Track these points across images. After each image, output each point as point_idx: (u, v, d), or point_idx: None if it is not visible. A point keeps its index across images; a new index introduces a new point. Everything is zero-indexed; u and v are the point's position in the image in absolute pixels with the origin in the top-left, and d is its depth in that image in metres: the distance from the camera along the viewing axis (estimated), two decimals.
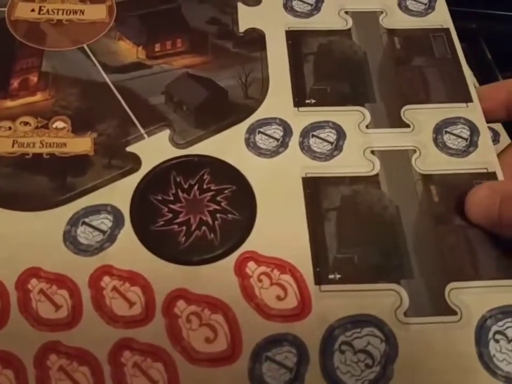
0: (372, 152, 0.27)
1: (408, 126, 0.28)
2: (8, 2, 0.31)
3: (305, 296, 0.22)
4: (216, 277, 0.23)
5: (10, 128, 0.26)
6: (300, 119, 0.28)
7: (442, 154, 0.26)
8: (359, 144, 0.27)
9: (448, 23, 0.31)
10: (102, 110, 0.27)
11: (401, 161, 0.26)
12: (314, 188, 0.25)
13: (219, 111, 0.28)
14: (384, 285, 0.23)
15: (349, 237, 0.24)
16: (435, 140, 0.27)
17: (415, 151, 0.27)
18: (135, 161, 0.26)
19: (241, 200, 0.25)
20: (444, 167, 0.26)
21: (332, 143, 0.27)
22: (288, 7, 0.32)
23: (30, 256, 0.23)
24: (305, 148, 0.27)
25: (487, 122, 0.28)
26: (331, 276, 0.23)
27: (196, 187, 0.25)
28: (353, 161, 0.26)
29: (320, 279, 0.23)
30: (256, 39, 0.31)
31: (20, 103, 0.27)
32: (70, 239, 0.23)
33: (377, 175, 0.26)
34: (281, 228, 0.24)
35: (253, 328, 0.21)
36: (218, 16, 0.32)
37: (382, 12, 0.32)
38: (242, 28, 0.31)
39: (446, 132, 0.27)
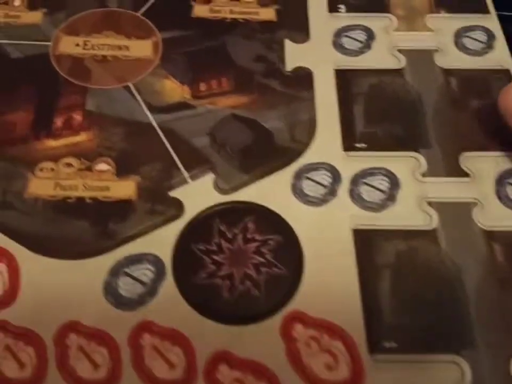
0: (429, 203, 0.25)
1: (467, 175, 0.26)
2: (52, 37, 0.30)
3: (357, 366, 0.20)
4: (261, 339, 0.21)
5: (52, 169, 0.25)
6: (349, 164, 0.26)
7: (507, 209, 0.24)
8: (415, 194, 0.25)
9: (509, 64, 0.29)
10: (146, 151, 0.26)
11: (461, 215, 0.24)
12: (366, 242, 0.23)
13: (264, 154, 0.27)
14: (443, 356, 0.20)
15: (405, 299, 0.22)
16: (497, 192, 0.25)
17: (476, 204, 0.24)
18: (178, 207, 0.24)
19: (287, 252, 0.23)
20: (508, 223, 0.24)
21: (384, 192, 0.25)
22: (337, 44, 0.31)
23: (69, 307, 0.21)
24: (355, 197, 0.25)
25: None
26: (386, 344, 0.21)
27: (239, 237, 0.24)
28: (408, 213, 0.24)
29: (374, 347, 0.20)
30: (303, 78, 0.29)
31: (63, 143, 0.26)
32: (110, 291, 0.22)
33: (435, 229, 0.24)
34: (330, 286, 0.22)
35: None
36: (264, 53, 0.30)
37: (437, 50, 0.30)
38: (289, 66, 0.30)
39: (509, 184, 0.25)
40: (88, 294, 0.22)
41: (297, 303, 0.22)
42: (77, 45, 0.30)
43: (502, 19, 0.32)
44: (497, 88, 0.28)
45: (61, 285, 0.22)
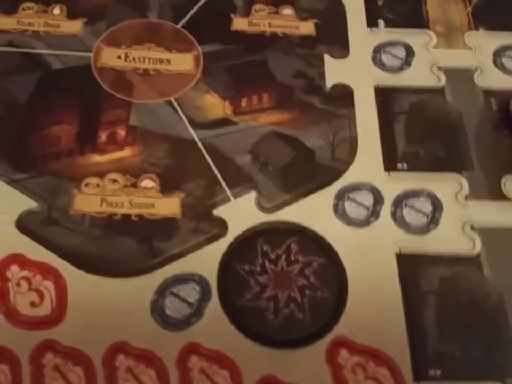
0: (472, 227, 0.24)
1: (510, 199, 0.25)
2: (93, 47, 0.30)
3: None
4: (306, 364, 0.21)
5: (98, 185, 0.25)
6: (391, 185, 0.26)
7: None
8: (458, 217, 0.25)
9: None
10: (190, 168, 0.26)
11: (504, 240, 0.24)
12: (409, 267, 0.23)
13: (306, 172, 0.26)
14: None
15: (450, 326, 0.22)
16: None
17: None
18: (222, 226, 0.24)
19: (331, 274, 0.23)
20: None
21: (427, 215, 0.25)
22: (377, 60, 0.30)
23: (117, 327, 0.21)
24: (398, 219, 0.25)
25: None
26: (431, 372, 0.20)
27: (283, 258, 0.24)
28: (452, 237, 0.24)
29: (419, 374, 0.20)
30: (343, 95, 0.29)
31: (108, 159, 0.26)
32: (157, 311, 0.22)
33: (478, 255, 0.23)
34: (375, 311, 0.22)
35: None
36: (304, 69, 0.30)
37: (476, 70, 0.30)
38: (329, 82, 0.29)
39: None
40: (135, 313, 0.22)
41: (342, 328, 0.22)
42: (119, 57, 0.30)
43: None
44: None
45: (108, 303, 0.22)
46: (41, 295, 0.22)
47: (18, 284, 0.22)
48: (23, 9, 0.31)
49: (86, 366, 0.20)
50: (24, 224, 0.24)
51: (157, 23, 0.31)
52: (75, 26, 0.31)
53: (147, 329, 0.21)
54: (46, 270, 0.22)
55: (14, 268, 0.23)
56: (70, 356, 0.21)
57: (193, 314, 0.22)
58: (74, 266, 0.23)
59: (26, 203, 0.24)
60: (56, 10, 0.32)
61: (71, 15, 0.31)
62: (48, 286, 0.22)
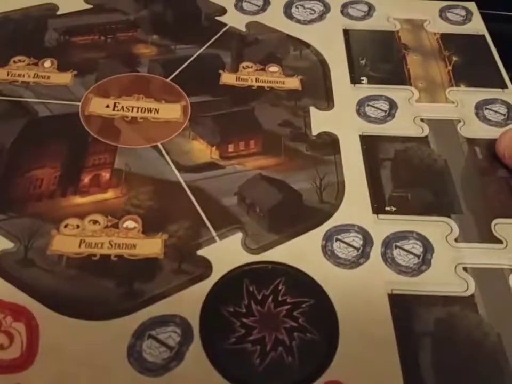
0: (465, 269, 0.24)
1: (501, 242, 0.25)
2: (82, 97, 0.31)
3: None
4: None
5: (78, 226, 0.24)
6: (380, 227, 0.25)
7: None
8: (449, 259, 0.24)
9: None
10: (174, 210, 0.26)
11: (497, 281, 0.23)
12: (403, 308, 0.22)
13: (293, 214, 0.26)
14: None
15: (449, 371, 0.20)
16: None
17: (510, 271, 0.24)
18: (206, 267, 0.24)
19: (321, 317, 0.22)
20: None
21: (418, 256, 0.24)
22: (361, 112, 0.31)
23: (91, 372, 0.20)
24: (388, 260, 0.24)
25: None
26: None
27: (270, 299, 0.23)
28: (445, 279, 0.23)
29: None
30: (329, 143, 0.30)
31: (90, 200, 0.26)
32: (134, 355, 0.20)
33: (472, 296, 0.23)
34: (368, 354, 0.21)
35: None
36: (291, 119, 0.31)
37: (459, 121, 0.31)
38: (315, 131, 0.30)
39: None
40: (111, 357, 0.20)
41: (334, 371, 0.20)
42: (107, 106, 0.30)
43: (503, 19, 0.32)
44: None
45: (82, 347, 0.21)
46: (11, 337, 0.20)
47: None
48: (14, 61, 0.32)
49: None
50: None
51: (147, 76, 0.33)
52: (65, 78, 0.32)
53: (123, 375, 0.20)
54: (18, 312, 0.21)
55: None
56: None
57: (173, 358, 0.20)
58: (48, 308, 0.21)
59: (2, 243, 0.23)
60: (47, 64, 0.33)
61: (62, 67, 0.32)
62: (19, 328, 0.21)
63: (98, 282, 0.23)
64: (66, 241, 0.24)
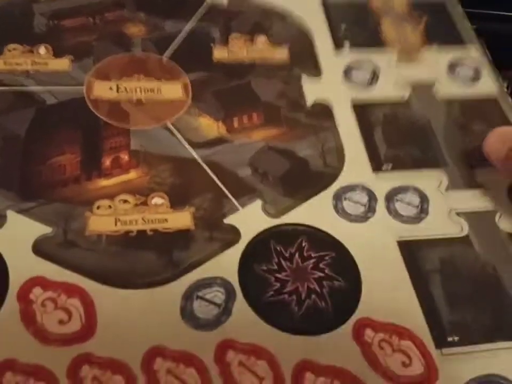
0: (457, 214, 0.28)
1: (483, 186, 0.29)
2: (84, 82, 0.32)
3: (429, 362, 0.22)
4: (337, 347, 0.22)
5: (110, 206, 0.26)
6: (380, 184, 0.29)
7: None
8: (443, 206, 0.28)
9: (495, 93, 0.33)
10: (196, 184, 0.28)
11: (486, 221, 0.27)
12: (411, 252, 0.26)
13: (303, 179, 0.29)
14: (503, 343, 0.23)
15: (455, 297, 0.24)
16: None
17: (496, 212, 0.28)
18: (234, 233, 0.26)
19: (343, 266, 0.25)
20: None
21: (417, 207, 0.28)
22: (348, 78, 0.34)
23: (151, 334, 0.22)
24: (392, 212, 0.28)
25: None
26: (449, 339, 0.23)
27: (296, 255, 0.26)
28: (442, 224, 0.27)
29: (439, 342, 0.23)
30: (324, 111, 0.32)
31: (115, 182, 0.27)
32: (188, 314, 0.23)
33: (467, 236, 0.27)
34: (388, 293, 0.24)
35: None
36: (285, 89, 0.33)
37: (434, 83, 0.34)
38: (309, 100, 0.33)
39: None
40: (166, 319, 0.23)
41: (362, 311, 0.24)
42: (110, 88, 0.31)
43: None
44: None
45: (138, 314, 0.23)
46: (68, 313, 0.22)
47: (43, 305, 0.22)
48: (9, 50, 0.32)
49: (125, 373, 0.21)
50: (41, 249, 0.24)
51: (142, 56, 0.34)
52: (63, 64, 0.32)
53: (181, 332, 0.22)
54: (70, 289, 0.23)
55: (37, 290, 0.23)
56: (107, 366, 0.21)
57: (222, 314, 0.23)
58: (98, 283, 0.23)
59: (40, 229, 0.25)
60: (42, 50, 0.33)
61: (58, 53, 0.33)
62: (75, 303, 0.23)
63: (140, 255, 0.25)
64: (102, 221, 0.26)
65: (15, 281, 0.23)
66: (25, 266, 0.23)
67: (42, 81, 0.31)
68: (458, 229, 0.27)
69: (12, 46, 0.32)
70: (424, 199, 0.28)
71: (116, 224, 0.26)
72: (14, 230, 0.25)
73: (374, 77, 0.34)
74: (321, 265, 0.25)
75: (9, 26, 0.34)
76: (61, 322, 0.22)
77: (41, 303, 0.22)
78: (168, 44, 0.34)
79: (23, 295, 0.23)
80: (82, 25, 0.35)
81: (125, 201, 0.27)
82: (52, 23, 0.34)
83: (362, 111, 0.32)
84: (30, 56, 0.32)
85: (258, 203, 0.27)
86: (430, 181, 0.29)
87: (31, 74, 0.31)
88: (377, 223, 0.27)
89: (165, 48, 0.34)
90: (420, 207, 0.28)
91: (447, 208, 0.28)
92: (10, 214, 0.25)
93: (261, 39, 0.36)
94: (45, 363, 0.21)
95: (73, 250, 0.25)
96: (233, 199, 0.27)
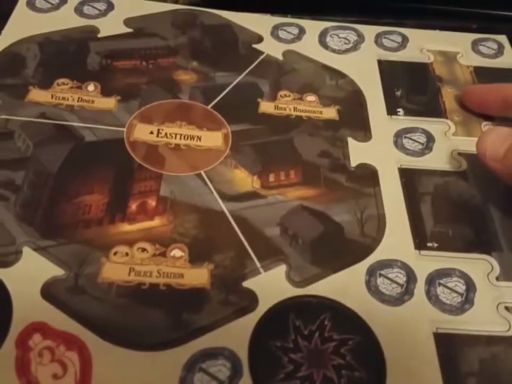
0: (506, 308, 0.24)
1: None
2: (127, 123, 0.31)
3: None
4: None
5: (127, 254, 0.25)
6: (422, 263, 0.26)
7: None
8: (491, 298, 0.24)
9: None
10: (219, 239, 0.26)
11: None
12: (448, 347, 0.22)
13: (335, 247, 0.26)
14: None
15: None
16: None
17: None
18: (252, 299, 0.24)
19: (368, 354, 0.22)
20: None
21: (461, 295, 0.24)
22: (398, 144, 0.32)
23: None
24: (432, 298, 0.24)
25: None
26: None
27: (316, 334, 0.23)
28: (487, 318, 0.24)
29: None
30: (368, 175, 0.30)
31: (138, 228, 0.26)
32: None
33: None
34: None
35: None
36: (329, 149, 0.31)
37: None
38: (353, 162, 0.31)
39: None
40: None
41: None
42: (151, 132, 0.31)
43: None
44: None
45: (135, 378, 0.21)
46: (64, 368, 0.21)
47: (40, 354, 0.21)
48: (58, 84, 0.33)
49: None
50: (49, 292, 0.23)
51: (188, 103, 0.33)
52: (109, 103, 0.32)
53: None
54: (70, 340, 0.21)
55: (37, 337, 0.21)
56: None
57: None
58: (99, 337, 0.22)
59: (53, 270, 0.24)
60: (91, 87, 0.33)
61: (106, 92, 0.33)
62: (72, 357, 0.21)
63: (148, 311, 0.23)
64: (116, 269, 0.24)
65: (18, 324, 0.22)
66: (30, 308, 0.22)
67: (85, 118, 0.31)
68: (505, 326, 0.23)
69: (61, 80, 0.33)
70: (470, 287, 0.25)
71: (129, 274, 0.24)
72: (27, 268, 0.24)
73: (427, 146, 0.32)
74: (342, 350, 0.22)
75: (63, 61, 0.34)
76: (54, 376, 0.21)
77: (38, 352, 0.21)
78: (216, 94, 0.34)
79: (22, 340, 0.21)
80: (134, 68, 0.35)
81: (143, 249, 0.25)
82: (105, 62, 0.35)
83: (410, 179, 0.30)
84: (78, 92, 0.33)
85: (282, 268, 0.25)
86: (479, 267, 0.26)
87: (75, 110, 0.32)
88: (413, 308, 0.24)
89: (212, 98, 0.34)
90: (464, 295, 0.24)
91: (496, 300, 0.24)
92: (26, 251, 0.24)
93: (311, 98, 0.34)
94: None
95: (81, 298, 0.23)
96: (256, 261, 0.25)
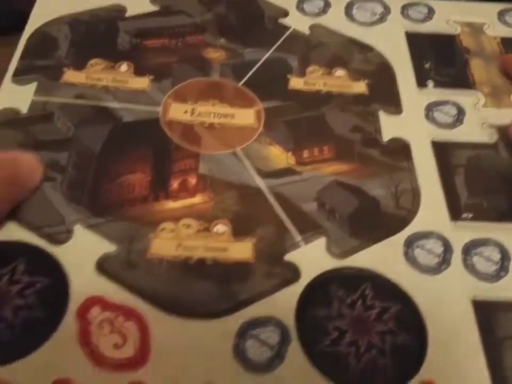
0: None
1: None
2: (161, 102, 0.32)
3: None
4: None
5: (173, 230, 0.26)
6: (458, 234, 0.27)
7: None
8: None
9: None
10: (259, 215, 0.27)
11: None
12: (485, 313, 0.24)
13: (372, 220, 0.27)
14: None
15: None
16: None
17: None
18: (294, 271, 0.25)
19: (409, 321, 0.23)
20: None
21: (496, 263, 0.25)
22: (430, 117, 0.32)
23: (203, 370, 0.21)
24: (469, 267, 0.25)
25: None
26: None
27: (359, 303, 0.24)
28: None
29: None
30: (401, 148, 0.30)
31: (181, 205, 0.27)
32: (239, 355, 0.22)
33: None
34: (457, 358, 0.22)
35: None
36: (361, 124, 0.32)
37: None
38: (386, 136, 0.31)
39: None
40: (218, 355, 0.22)
41: (426, 372, 0.22)
42: (185, 112, 0.32)
43: None
44: None
45: (191, 345, 0.22)
46: (124, 337, 0.22)
47: (100, 326, 0.22)
48: (91, 65, 0.34)
49: None
50: (103, 267, 0.24)
51: (220, 82, 0.34)
52: (143, 83, 0.33)
53: (232, 372, 0.21)
54: (127, 312, 0.23)
55: (96, 310, 0.23)
56: None
57: (274, 357, 0.22)
58: (155, 308, 0.23)
59: (105, 247, 0.25)
60: (124, 67, 0.34)
61: (138, 72, 0.34)
62: (131, 327, 0.22)
63: (198, 284, 0.24)
64: (164, 245, 0.25)
65: (76, 298, 0.23)
66: (86, 283, 0.24)
67: (121, 98, 0.32)
68: None
69: (94, 60, 0.34)
70: (505, 256, 0.26)
71: (177, 249, 0.25)
72: (80, 245, 0.25)
73: (458, 119, 0.32)
74: (384, 317, 0.23)
75: (93, 41, 0.35)
76: (115, 346, 0.22)
77: (98, 324, 0.22)
78: (246, 71, 0.34)
79: (82, 313, 0.23)
80: (164, 46, 0.35)
81: (188, 225, 0.26)
82: (135, 41, 0.35)
83: (443, 152, 0.30)
84: (111, 72, 0.33)
85: (322, 241, 0.26)
86: None
87: (110, 90, 0.32)
88: (451, 277, 0.25)
89: (242, 75, 0.34)
90: (500, 264, 0.25)
91: None
92: (78, 229, 0.26)
93: (340, 73, 0.35)
94: None
95: (134, 272, 0.24)
96: (296, 234, 0.26)
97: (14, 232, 0.25)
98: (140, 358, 0.22)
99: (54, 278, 0.23)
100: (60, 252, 0.25)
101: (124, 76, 0.33)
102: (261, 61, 0.35)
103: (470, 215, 0.27)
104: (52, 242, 0.25)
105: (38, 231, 0.25)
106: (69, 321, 0.22)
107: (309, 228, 0.27)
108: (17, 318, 0.22)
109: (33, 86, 0.32)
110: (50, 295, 0.23)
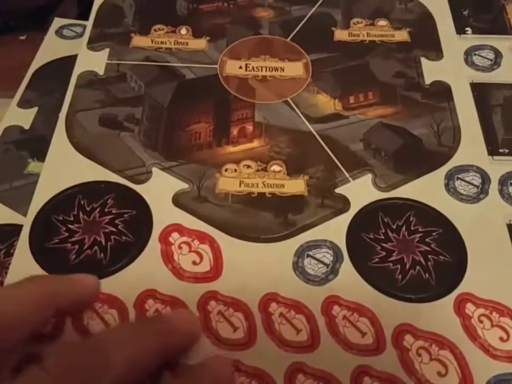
0: None
1: None
2: (218, 60, 0.34)
3: None
4: (438, 316, 0.23)
5: (235, 170, 0.28)
6: (495, 167, 0.28)
7: None
8: None
9: None
10: (310, 156, 0.29)
11: None
12: None
13: (416, 157, 0.29)
14: None
15: None
16: None
17: None
18: (344, 202, 0.27)
19: (450, 243, 0.25)
20: None
21: None
22: (469, 61, 0.33)
23: (267, 282, 0.24)
24: (505, 196, 0.26)
25: None
26: None
27: (403, 228, 0.26)
28: None
29: None
30: (442, 91, 0.31)
31: (241, 149, 0.29)
32: (298, 269, 0.24)
33: None
34: (493, 273, 0.24)
35: (481, 367, 0.21)
36: (403, 70, 0.33)
37: None
38: (427, 80, 0.32)
39: None
40: (280, 270, 0.24)
41: (465, 286, 0.23)
42: (240, 67, 0.33)
43: None
44: None
45: (257, 263, 0.25)
46: (200, 256, 0.25)
47: (180, 247, 0.25)
48: (155, 30, 0.36)
49: (245, 311, 0.23)
50: (179, 201, 0.27)
51: (269, 38, 0.35)
52: (201, 44, 0.35)
53: (293, 283, 0.24)
54: (202, 236, 0.26)
55: (175, 235, 0.26)
56: (230, 304, 0.23)
57: (329, 273, 0.24)
58: (224, 234, 0.26)
59: (179, 184, 0.28)
60: (183, 31, 0.36)
61: (196, 34, 0.36)
62: (205, 248, 0.25)
63: (260, 214, 0.27)
64: (228, 182, 0.28)
65: (158, 226, 0.26)
66: (166, 214, 0.27)
67: (183, 58, 0.34)
68: None
69: (157, 26, 0.36)
70: None
71: (240, 186, 0.28)
72: (158, 184, 0.28)
73: (496, 62, 0.32)
74: (427, 239, 0.25)
75: (155, 8, 0.37)
76: (194, 263, 0.25)
77: (178, 245, 0.25)
78: (293, 27, 0.35)
79: (164, 238, 0.26)
80: (218, 9, 0.37)
81: (248, 166, 0.29)
82: (192, 7, 0.37)
83: (481, 92, 0.31)
84: (173, 36, 0.36)
85: (369, 177, 0.28)
86: None
87: (173, 52, 0.34)
88: (488, 204, 0.26)
89: (290, 30, 0.35)
90: None
91: None
92: (155, 171, 0.28)
93: (382, 23, 0.35)
94: (180, 296, 0.24)
95: (205, 205, 0.27)
96: (345, 171, 0.28)
97: (101, 175, 0.28)
98: (215, 272, 0.24)
99: (139, 210, 0.26)
100: (141, 189, 0.27)
101: (184, 38, 0.35)
102: (307, 17, 0.36)
103: (507, 150, 0.28)
104: (134, 182, 0.28)
105: (121, 173, 0.28)
106: (154, 244, 0.25)
107: (356, 166, 0.28)
108: (109, 242, 0.26)
109: (106, 52, 0.34)
110: (136, 224, 0.26)
